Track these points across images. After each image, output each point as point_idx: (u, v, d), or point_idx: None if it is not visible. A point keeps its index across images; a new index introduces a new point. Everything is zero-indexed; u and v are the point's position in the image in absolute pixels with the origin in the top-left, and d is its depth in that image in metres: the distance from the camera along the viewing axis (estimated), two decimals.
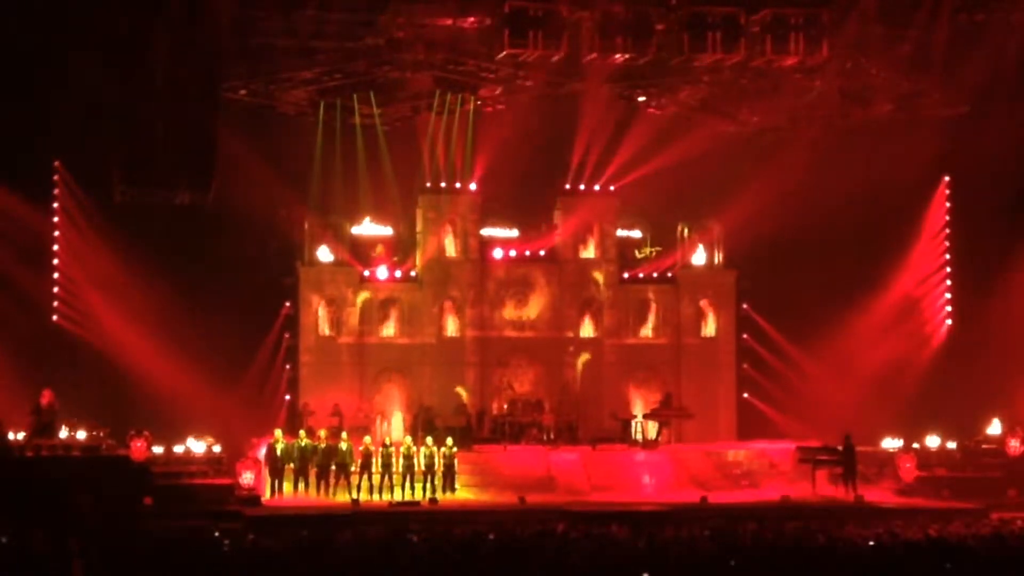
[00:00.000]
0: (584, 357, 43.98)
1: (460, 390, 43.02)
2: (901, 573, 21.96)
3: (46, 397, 35.39)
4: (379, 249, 43.89)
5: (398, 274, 43.65)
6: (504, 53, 38.00)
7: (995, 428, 39.85)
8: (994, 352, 41.45)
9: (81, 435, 35.52)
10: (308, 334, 42.83)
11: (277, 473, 35.79)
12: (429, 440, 36.94)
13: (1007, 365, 41.04)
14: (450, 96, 42.98)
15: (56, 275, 40.03)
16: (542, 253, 44.48)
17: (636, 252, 45.52)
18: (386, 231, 44.27)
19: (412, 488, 35.98)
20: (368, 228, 44.07)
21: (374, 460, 35.99)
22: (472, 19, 38.37)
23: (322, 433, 37.06)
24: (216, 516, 31.17)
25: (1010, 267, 42.25)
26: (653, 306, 44.91)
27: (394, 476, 36.04)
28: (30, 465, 33.50)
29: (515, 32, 37.19)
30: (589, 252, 44.56)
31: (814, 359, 43.02)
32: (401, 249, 44.20)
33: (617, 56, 38.31)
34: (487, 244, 44.30)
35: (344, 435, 36.94)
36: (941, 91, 41.92)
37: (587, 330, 44.37)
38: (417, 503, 35.14)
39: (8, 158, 37.59)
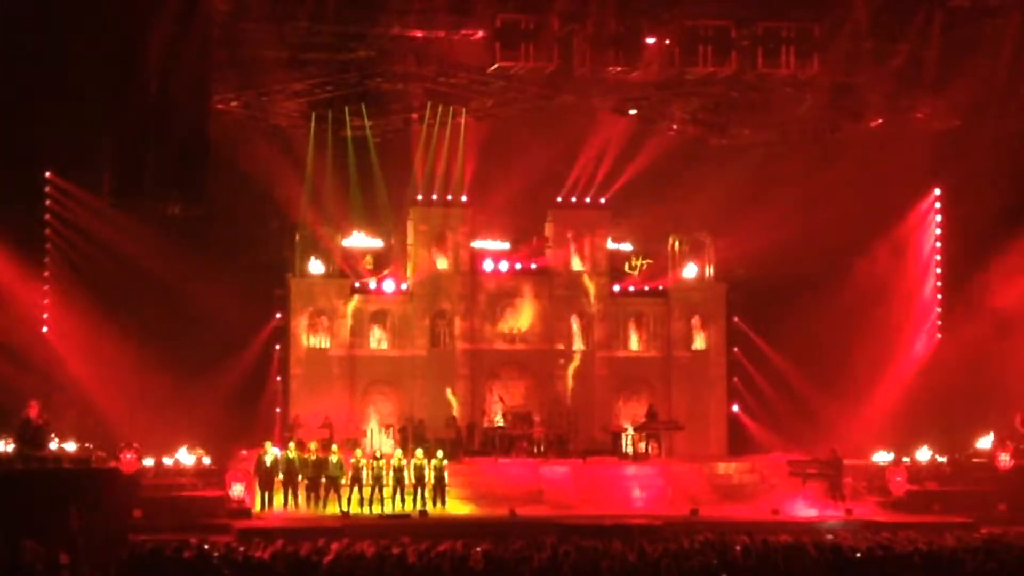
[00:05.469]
0: (574, 363, 43.95)
1: (451, 401, 43.00)
2: None
3: (34, 409, 35.25)
4: (368, 261, 43.87)
5: (388, 284, 43.56)
6: (496, 66, 38.02)
7: (985, 442, 39.86)
8: (985, 366, 41.45)
9: (71, 447, 35.39)
10: (298, 346, 42.80)
11: (267, 486, 35.73)
12: (419, 452, 36.94)
13: (998, 379, 41.05)
14: (441, 108, 43.07)
15: (47, 286, 39.92)
16: (533, 266, 44.50)
17: (626, 264, 45.53)
18: (377, 243, 44.28)
19: (402, 501, 35.95)
20: (359, 240, 44.07)
21: (364, 472, 35.96)
22: (464, 32, 38.40)
23: (312, 445, 37.03)
24: (206, 529, 31.08)
25: (1001, 280, 42.28)
26: (644, 319, 44.91)
27: (384, 488, 36.00)
28: (19, 478, 33.35)
29: (507, 45, 37.22)
30: (580, 265, 44.57)
31: (805, 372, 43.02)
32: (392, 261, 44.20)
33: (609, 69, 38.36)
34: (478, 256, 44.30)
35: (334, 447, 36.90)
36: (932, 105, 42.04)
37: (577, 343, 44.36)
38: (407, 515, 35.09)
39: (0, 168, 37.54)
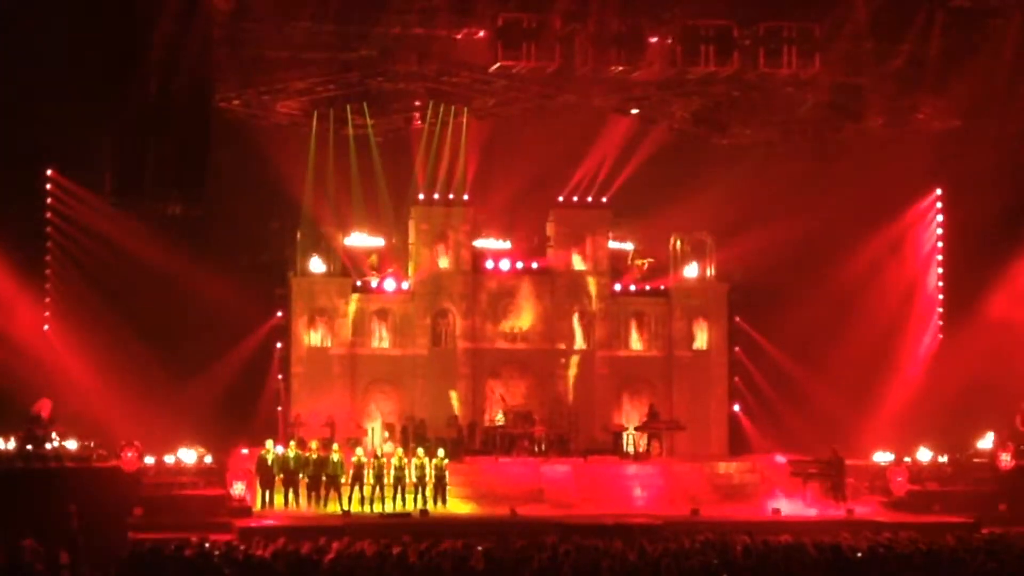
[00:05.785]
0: (575, 362, 43.93)
1: (452, 400, 43.00)
2: None
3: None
4: (373, 259, 43.87)
5: (389, 283, 43.53)
6: (497, 65, 38.04)
7: (986, 442, 39.84)
8: (986, 366, 41.44)
9: (71, 445, 35.40)
10: (299, 345, 42.77)
11: (268, 484, 35.74)
12: (420, 451, 36.93)
13: (999, 379, 41.03)
14: (443, 107, 43.05)
15: (48, 284, 39.94)
16: (534, 265, 44.46)
17: (629, 260, 45.42)
18: (378, 242, 44.26)
19: (403, 500, 35.95)
20: (360, 239, 44.04)
21: (365, 471, 35.96)
22: (465, 31, 38.40)
23: (313, 444, 37.04)
24: (206, 527, 31.07)
25: (1002, 280, 42.32)
26: (645, 318, 44.89)
27: (385, 487, 35.99)
28: (20, 476, 33.40)
29: (508, 44, 37.22)
30: (581, 264, 44.55)
31: (806, 372, 43.02)
32: (394, 260, 44.21)
33: (610, 69, 38.37)
34: (479, 256, 44.28)
35: (335, 446, 36.90)
36: (933, 105, 42.05)
37: (579, 342, 44.33)
38: (408, 515, 35.08)
39: (1, 167, 37.56)
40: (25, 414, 35.39)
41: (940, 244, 44.95)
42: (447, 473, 36.43)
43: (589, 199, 44.21)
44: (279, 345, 42.64)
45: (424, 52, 39.73)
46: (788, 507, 35.93)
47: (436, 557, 23.11)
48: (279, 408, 41.98)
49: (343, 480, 35.88)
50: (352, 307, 43.19)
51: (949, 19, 38.59)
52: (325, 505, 35.82)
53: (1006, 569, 22.96)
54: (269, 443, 36.33)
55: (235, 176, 40.00)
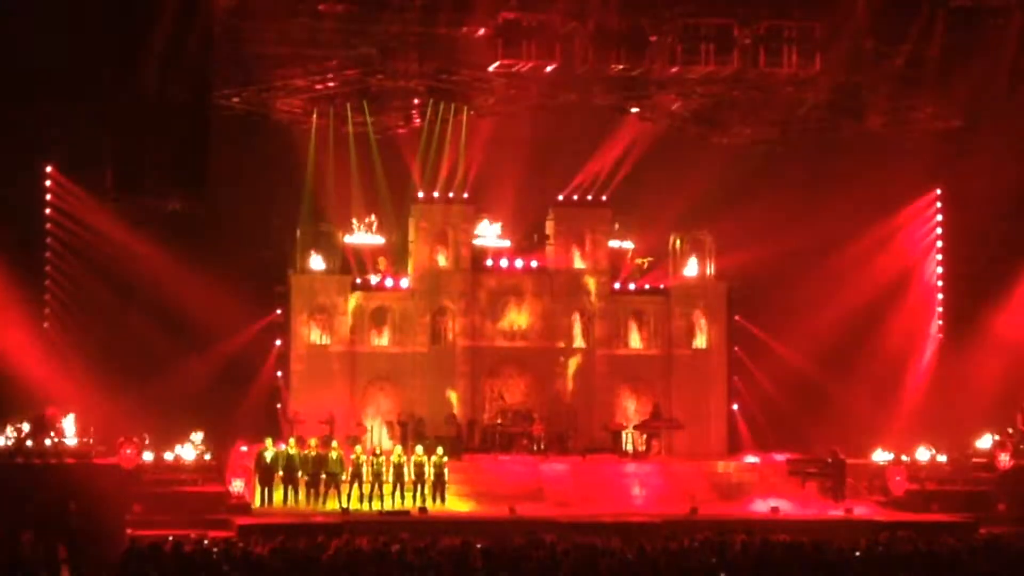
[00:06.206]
0: (575, 361, 43.90)
1: (451, 398, 43.00)
2: None
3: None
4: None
5: (389, 281, 43.55)
6: (497, 63, 38.08)
7: (985, 442, 39.85)
8: (985, 366, 41.44)
9: (71, 442, 35.41)
10: (299, 342, 42.77)
11: (267, 481, 35.78)
12: (419, 449, 36.94)
13: (998, 379, 41.04)
14: (443, 105, 43.04)
15: (47, 281, 39.93)
16: (534, 263, 44.44)
17: (628, 259, 45.38)
18: (378, 240, 44.25)
19: (402, 497, 35.97)
20: (360, 237, 44.05)
21: (364, 469, 35.98)
22: (466, 29, 38.41)
23: (312, 441, 37.06)
24: (205, 524, 31.12)
25: (1002, 281, 42.32)
26: (644, 317, 44.87)
27: (384, 485, 36.02)
28: (19, 471, 33.41)
29: (508, 43, 37.28)
30: (581, 263, 44.52)
31: (805, 371, 43.00)
32: (394, 258, 44.23)
33: (610, 67, 38.38)
34: (479, 254, 44.26)
35: (334, 444, 36.93)
36: (934, 105, 42.04)
37: (578, 341, 44.30)
38: (407, 512, 35.10)
39: (0, 164, 37.56)
40: (30, 413, 35.45)
41: (940, 243, 44.93)
42: (446, 471, 36.45)
43: (589, 197, 44.19)
44: (278, 342, 42.64)
45: (424, 50, 39.70)
46: (786, 506, 35.95)
47: (435, 555, 23.14)
48: (278, 405, 41.97)
49: (342, 478, 35.91)
50: (352, 305, 43.20)
51: (949, 19, 38.62)
52: (324, 503, 35.87)
53: (1004, 569, 22.98)
54: (268, 441, 36.37)
55: (235, 173, 39.98)
